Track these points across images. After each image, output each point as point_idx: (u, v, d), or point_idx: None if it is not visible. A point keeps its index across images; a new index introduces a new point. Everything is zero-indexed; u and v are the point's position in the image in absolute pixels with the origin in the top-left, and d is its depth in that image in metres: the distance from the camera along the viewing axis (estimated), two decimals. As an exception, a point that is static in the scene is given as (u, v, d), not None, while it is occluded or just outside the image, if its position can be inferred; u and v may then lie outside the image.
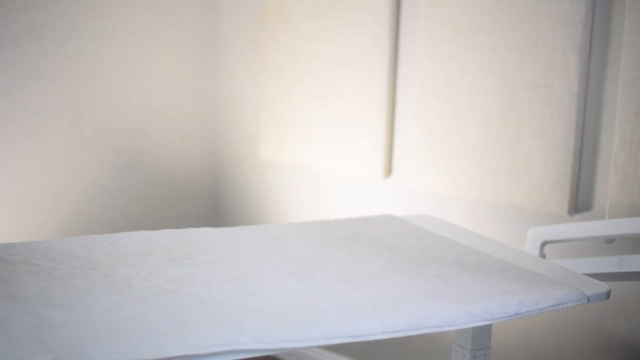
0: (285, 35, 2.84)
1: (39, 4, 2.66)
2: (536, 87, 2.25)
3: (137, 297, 1.46)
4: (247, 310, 1.41)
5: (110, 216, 2.94)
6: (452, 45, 2.41)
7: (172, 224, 3.06)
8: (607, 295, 1.64)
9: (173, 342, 1.27)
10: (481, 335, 1.80)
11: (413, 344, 2.62)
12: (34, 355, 1.19)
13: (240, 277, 1.60)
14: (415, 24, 2.54)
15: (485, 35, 2.34)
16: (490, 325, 1.80)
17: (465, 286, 1.60)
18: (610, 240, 1.93)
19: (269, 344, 1.32)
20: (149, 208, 3.05)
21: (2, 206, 2.68)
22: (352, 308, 1.46)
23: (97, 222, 2.90)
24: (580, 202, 2.25)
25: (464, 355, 1.82)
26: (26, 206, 2.74)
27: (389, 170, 2.64)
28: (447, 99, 2.44)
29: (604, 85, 2.18)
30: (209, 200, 3.21)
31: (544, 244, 2.04)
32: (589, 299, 1.62)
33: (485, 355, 1.82)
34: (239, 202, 3.14)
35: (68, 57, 2.77)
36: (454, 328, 1.47)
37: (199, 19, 3.10)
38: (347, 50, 2.67)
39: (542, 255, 2.05)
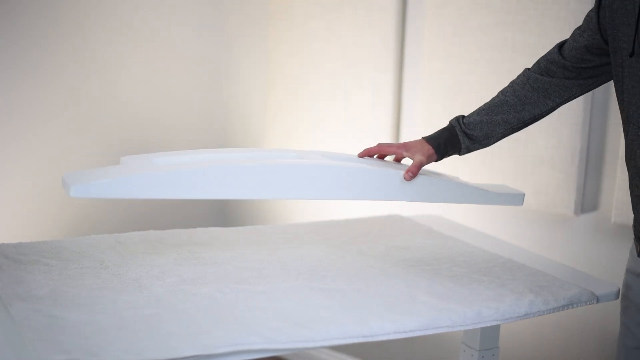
0: (291, 34, 2.85)
1: (44, 3, 2.66)
2: (543, 88, 2.25)
3: (149, 297, 1.47)
4: (259, 311, 1.42)
5: (118, 216, 2.94)
6: (459, 46, 2.42)
7: (179, 224, 3.06)
8: (617, 295, 1.65)
9: (186, 342, 1.28)
10: (489, 335, 1.81)
11: (420, 344, 2.63)
12: (48, 355, 1.20)
13: (251, 277, 1.60)
14: (422, 24, 2.54)
15: (492, 36, 2.34)
16: (498, 326, 1.81)
17: (475, 286, 1.61)
18: None
19: (281, 344, 1.33)
20: (156, 207, 3.05)
21: (11, 207, 2.68)
22: (363, 308, 1.46)
23: (105, 222, 2.90)
24: (586, 202, 2.25)
25: (472, 355, 1.82)
26: (35, 206, 2.74)
27: (395, 170, 2.64)
28: (453, 99, 2.44)
29: (611, 85, 2.18)
30: (215, 199, 3.21)
31: None
32: (598, 299, 1.62)
33: (493, 355, 1.83)
34: (245, 202, 3.14)
35: (74, 56, 2.77)
36: (465, 328, 1.47)
37: (204, 19, 3.10)
38: (353, 50, 2.68)
39: None
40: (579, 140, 2.21)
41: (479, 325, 1.49)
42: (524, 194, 1.79)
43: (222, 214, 3.22)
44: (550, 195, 2.27)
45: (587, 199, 2.25)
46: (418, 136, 2.54)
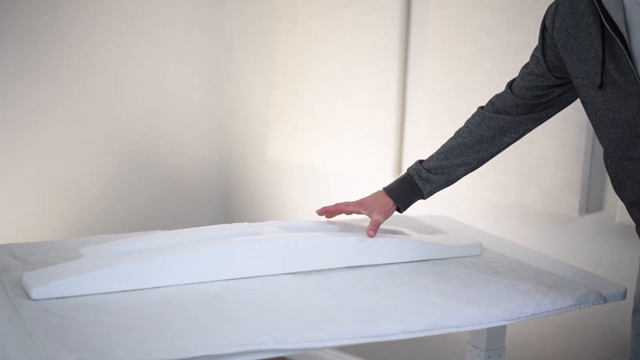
0: (294, 34, 2.85)
1: (45, 3, 2.66)
2: (548, 88, 2.26)
3: (157, 296, 1.47)
4: (267, 311, 1.42)
5: (124, 216, 2.94)
6: (463, 46, 2.42)
7: (182, 223, 3.06)
8: (624, 295, 1.65)
9: (196, 342, 1.27)
10: (496, 335, 1.81)
11: (422, 344, 2.63)
12: (58, 355, 1.20)
13: (258, 276, 1.60)
14: (426, 25, 2.54)
15: (496, 36, 2.34)
16: (504, 326, 1.81)
17: (482, 286, 1.61)
18: None
19: (290, 344, 1.33)
20: (160, 207, 3.05)
21: (18, 207, 2.68)
22: (371, 308, 1.46)
23: (111, 222, 2.91)
24: (591, 203, 2.25)
25: (479, 356, 1.82)
26: (42, 207, 2.74)
27: (399, 170, 2.64)
28: (457, 100, 2.44)
29: (616, 86, 2.18)
30: (218, 199, 3.21)
31: None
32: (605, 299, 1.62)
33: (499, 355, 1.83)
34: (248, 201, 3.14)
35: (76, 57, 2.77)
36: (473, 328, 1.47)
37: (206, 19, 3.10)
38: (357, 50, 2.68)
39: None
40: (584, 140, 2.21)
41: (487, 325, 1.48)
42: (480, 244, 1.86)
43: (223, 213, 3.22)
44: (554, 196, 2.27)
45: (592, 200, 2.25)
46: (422, 136, 2.54)
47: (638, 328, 1.62)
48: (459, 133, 1.75)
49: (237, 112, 3.15)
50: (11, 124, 2.64)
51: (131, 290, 1.48)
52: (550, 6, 1.58)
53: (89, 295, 1.45)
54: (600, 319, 2.25)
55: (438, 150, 1.76)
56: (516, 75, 1.74)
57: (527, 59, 2.30)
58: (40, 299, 1.41)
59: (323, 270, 1.67)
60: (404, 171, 2.64)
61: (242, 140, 3.14)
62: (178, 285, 1.53)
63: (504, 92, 1.71)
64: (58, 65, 2.72)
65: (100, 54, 2.82)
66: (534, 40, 2.27)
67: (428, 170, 1.73)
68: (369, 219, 1.76)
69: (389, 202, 1.73)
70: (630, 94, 1.43)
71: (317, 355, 2.93)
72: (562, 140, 2.24)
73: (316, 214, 1.84)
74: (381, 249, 1.72)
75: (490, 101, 1.74)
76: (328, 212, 1.78)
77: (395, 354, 2.71)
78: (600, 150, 2.23)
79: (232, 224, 1.75)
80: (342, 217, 2.76)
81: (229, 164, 3.20)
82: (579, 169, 2.22)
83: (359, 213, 1.77)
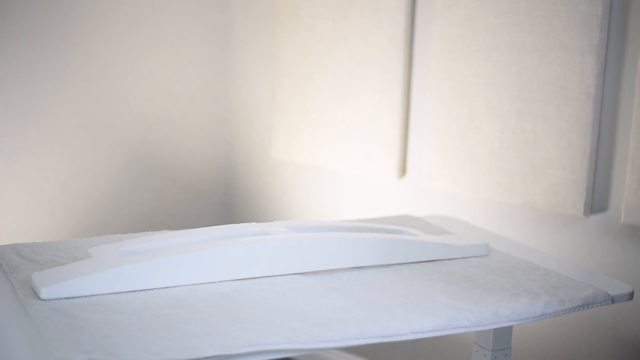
0: (298, 35, 2.85)
1: (53, 5, 2.66)
2: (553, 89, 2.26)
3: (166, 296, 1.47)
4: (277, 311, 1.42)
5: (128, 216, 2.94)
6: (468, 47, 2.42)
7: (187, 223, 3.07)
8: (631, 296, 1.65)
9: (207, 342, 1.28)
10: (502, 335, 1.81)
11: (428, 344, 2.63)
12: (70, 355, 1.20)
13: (267, 276, 1.60)
14: (431, 25, 2.54)
15: (501, 37, 2.34)
16: (511, 326, 1.81)
17: (490, 287, 1.61)
18: None
19: (301, 344, 1.33)
20: (165, 207, 3.05)
21: (25, 207, 2.68)
22: (380, 309, 1.46)
23: (116, 222, 2.91)
24: (596, 203, 2.26)
25: (485, 356, 1.83)
26: (48, 207, 2.74)
27: (403, 170, 2.65)
28: (462, 100, 2.45)
29: (621, 86, 2.19)
30: (222, 200, 3.21)
31: None
32: (613, 300, 1.62)
33: (506, 355, 1.83)
34: (252, 202, 3.15)
35: (81, 57, 2.77)
36: (482, 328, 1.48)
37: (211, 19, 3.10)
38: (361, 50, 2.68)
39: None
40: (589, 140, 2.21)
41: (496, 326, 1.49)
42: (487, 244, 1.86)
43: (226, 214, 3.22)
44: (559, 196, 2.27)
45: (597, 200, 2.25)
46: (426, 137, 2.54)
47: None
48: None
49: (242, 112, 3.15)
50: (16, 123, 2.64)
51: (140, 291, 1.49)
52: None
53: (98, 295, 1.45)
54: (606, 318, 2.25)
55: None
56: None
57: (531, 60, 2.31)
58: (49, 299, 1.41)
59: (332, 270, 1.67)
60: (408, 172, 2.65)
61: (247, 140, 3.14)
62: (187, 285, 1.53)
63: None
64: (63, 66, 2.72)
65: (105, 54, 2.82)
66: (538, 41, 2.28)
67: None
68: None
69: None
70: None
71: (321, 356, 2.93)
72: (567, 140, 2.24)
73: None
74: (389, 249, 1.72)
75: None
76: None
77: (399, 354, 2.72)
78: (605, 151, 2.24)
79: (240, 224, 1.75)
80: (344, 218, 2.77)
81: (233, 164, 3.20)
82: (584, 170, 2.22)
83: None
